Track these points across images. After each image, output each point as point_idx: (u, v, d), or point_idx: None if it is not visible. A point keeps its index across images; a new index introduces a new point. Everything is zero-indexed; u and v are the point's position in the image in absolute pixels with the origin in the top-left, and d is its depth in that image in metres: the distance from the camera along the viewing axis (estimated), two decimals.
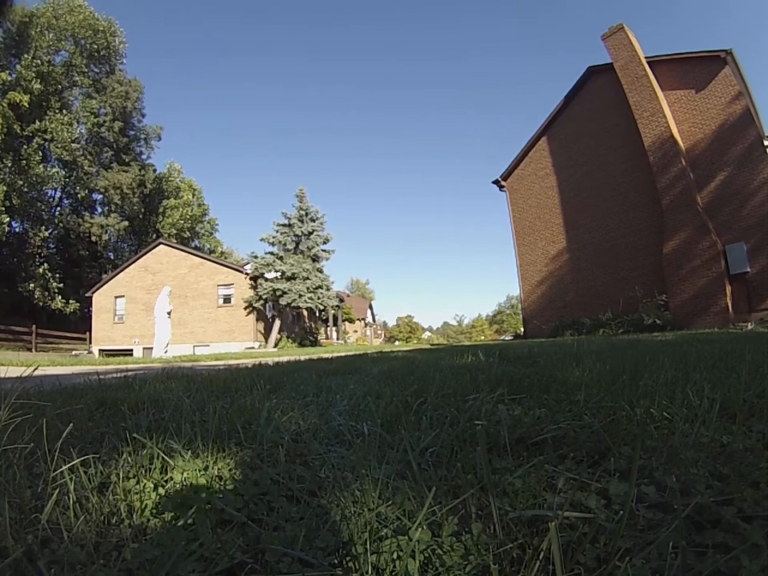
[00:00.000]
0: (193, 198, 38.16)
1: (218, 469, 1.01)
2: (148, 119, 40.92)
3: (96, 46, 30.04)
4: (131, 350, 21.85)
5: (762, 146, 11.67)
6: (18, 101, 24.25)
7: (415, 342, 53.37)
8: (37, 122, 26.57)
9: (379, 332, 60.58)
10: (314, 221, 22.20)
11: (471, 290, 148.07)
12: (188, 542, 0.68)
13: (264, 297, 20.33)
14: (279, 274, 20.35)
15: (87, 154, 30.26)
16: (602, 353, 3.27)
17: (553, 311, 15.16)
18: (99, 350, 22.88)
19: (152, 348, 14.04)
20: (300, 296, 20.18)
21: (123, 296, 23.48)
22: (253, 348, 19.37)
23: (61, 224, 30.15)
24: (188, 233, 37.02)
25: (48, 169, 27.08)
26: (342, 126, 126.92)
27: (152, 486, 0.92)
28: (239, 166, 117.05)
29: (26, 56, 26.13)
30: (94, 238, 30.81)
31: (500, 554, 0.64)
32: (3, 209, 23.57)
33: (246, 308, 20.99)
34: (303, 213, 22.13)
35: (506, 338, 29.25)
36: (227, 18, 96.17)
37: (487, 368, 2.47)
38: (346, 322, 37.55)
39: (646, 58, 13.26)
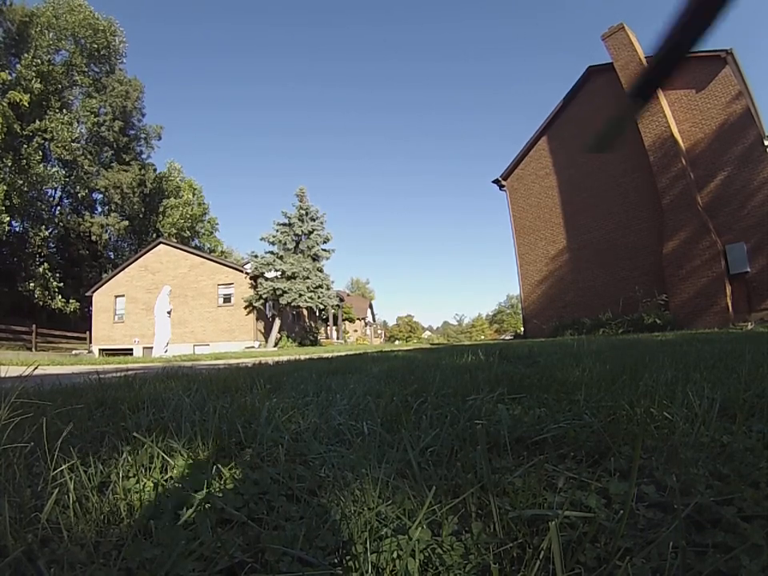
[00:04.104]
0: (193, 197, 38.15)
1: (218, 468, 1.00)
2: (148, 119, 40.95)
3: (96, 46, 30.00)
4: (131, 350, 21.86)
5: (762, 145, 11.67)
6: (18, 100, 24.21)
7: (415, 341, 53.31)
8: (37, 121, 26.54)
9: (379, 331, 60.59)
10: (314, 220, 22.20)
11: (471, 289, 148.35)
12: (188, 541, 0.67)
13: (264, 296, 20.32)
14: (279, 273, 20.33)
15: (87, 153, 30.22)
16: (601, 352, 3.27)
17: (553, 311, 15.16)
18: (99, 349, 22.88)
19: (152, 347, 14.05)
20: (300, 295, 20.18)
21: (123, 295, 23.46)
22: (253, 347, 19.37)
23: (61, 223, 30.12)
24: (188, 232, 37.01)
25: (48, 168, 27.01)
26: (343, 126, 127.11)
27: (152, 485, 0.91)
28: (239, 166, 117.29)
29: (26, 55, 26.09)
30: (94, 238, 30.79)
31: (500, 554, 0.64)
32: (3, 208, 23.53)
33: (246, 307, 20.98)
34: (303, 212, 22.13)
35: (506, 338, 29.25)
36: (227, 18, 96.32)
37: (487, 367, 2.47)
38: (346, 322, 37.54)
39: (646, 57, 13.25)
